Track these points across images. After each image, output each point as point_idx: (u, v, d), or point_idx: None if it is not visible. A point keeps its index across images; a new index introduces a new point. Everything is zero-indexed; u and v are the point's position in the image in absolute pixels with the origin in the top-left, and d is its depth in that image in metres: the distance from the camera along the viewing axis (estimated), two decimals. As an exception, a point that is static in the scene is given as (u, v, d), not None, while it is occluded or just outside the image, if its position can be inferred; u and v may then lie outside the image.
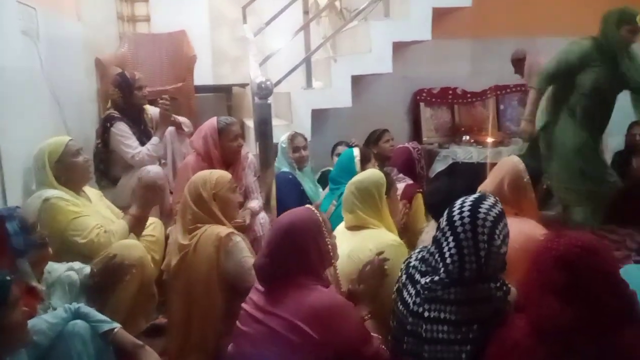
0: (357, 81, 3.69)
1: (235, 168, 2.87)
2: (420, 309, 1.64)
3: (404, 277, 1.77)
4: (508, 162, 2.29)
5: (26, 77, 2.71)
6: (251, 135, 3.50)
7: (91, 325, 1.75)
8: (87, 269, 2.08)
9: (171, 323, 2.27)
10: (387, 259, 1.97)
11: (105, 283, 2.07)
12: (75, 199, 2.36)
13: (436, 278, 1.62)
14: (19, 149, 2.50)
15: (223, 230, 2.16)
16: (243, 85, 4.49)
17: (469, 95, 4.70)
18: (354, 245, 2.08)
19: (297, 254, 1.69)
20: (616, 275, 1.49)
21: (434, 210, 2.36)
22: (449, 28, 4.20)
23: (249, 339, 1.70)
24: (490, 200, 1.67)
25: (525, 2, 4.46)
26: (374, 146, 3.69)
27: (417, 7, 3.56)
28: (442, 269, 1.61)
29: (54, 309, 1.85)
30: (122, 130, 3.12)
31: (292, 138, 3.21)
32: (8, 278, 1.47)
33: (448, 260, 1.60)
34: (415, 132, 4.64)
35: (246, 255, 2.14)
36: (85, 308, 1.79)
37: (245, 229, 2.65)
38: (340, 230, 2.21)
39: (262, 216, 2.86)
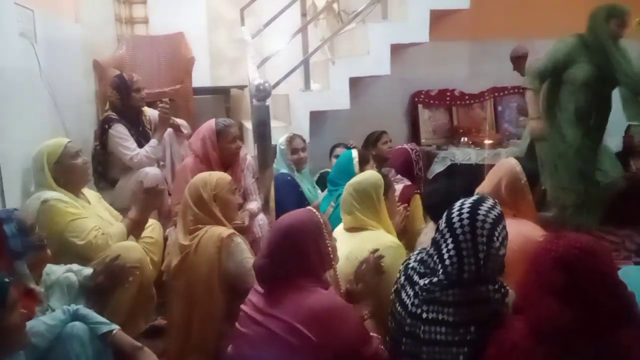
0: (355, 83, 3.70)
1: (233, 170, 2.87)
2: (419, 310, 1.64)
3: (402, 278, 1.78)
4: (505, 163, 2.29)
5: (24, 79, 2.70)
6: (249, 137, 3.50)
7: (90, 327, 1.75)
8: (86, 270, 2.07)
9: (171, 324, 2.27)
10: (382, 256, 1.97)
11: (107, 285, 2.06)
12: (73, 201, 2.35)
13: (435, 279, 1.62)
14: (17, 150, 2.49)
15: (224, 231, 2.18)
16: (241, 87, 4.49)
17: (467, 97, 4.72)
18: (353, 246, 2.08)
19: (298, 256, 1.69)
20: (614, 277, 1.49)
21: (433, 211, 2.37)
22: (446, 30, 4.21)
23: (248, 340, 1.70)
24: (490, 203, 1.68)
25: (523, 4, 4.47)
26: (372, 148, 3.70)
27: (415, 9, 3.56)
28: (441, 271, 1.61)
29: (53, 310, 1.84)
30: (120, 132, 3.12)
31: (291, 140, 3.21)
32: (6, 280, 1.47)
33: (447, 262, 1.60)
34: (414, 134, 4.66)
35: (247, 256, 2.14)
36: (83, 310, 1.79)
37: (244, 231, 2.65)
38: (339, 232, 2.21)
39: (261, 217, 2.86)
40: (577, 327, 1.41)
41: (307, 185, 3.23)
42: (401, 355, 1.70)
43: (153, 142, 3.18)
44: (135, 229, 2.43)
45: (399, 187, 2.80)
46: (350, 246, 2.08)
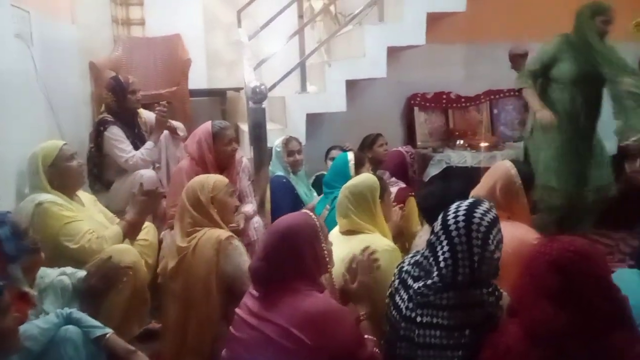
0: (352, 86, 3.70)
1: (229, 172, 2.87)
2: (413, 314, 1.64)
3: (396, 282, 1.78)
4: (501, 166, 2.30)
5: (20, 81, 2.70)
6: (245, 139, 3.49)
7: (83, 330, 1.75)
8: (80, 273, 2.07)
9: (166, 327, 2.26)
10: (374, 251, 1.99)
11: (100, 287, 2.05)
12: (68, 204, 2.35)
13: (429, 282, 1.62)
14: (12, 152, 2.49)
15: (223, 233, 2.18)
16: (237, 89, 4.48)
17: (462, 99, 4.72)
18: (348, 250, 2.08)
19: (294, 259, 1.69)
20: (608, 280, 1.50)
21: (428, 214, 2.37)
22: (443, 33, 4.22)
23: (242, 344, 1.70)
24: (485, 206, 1.68)
25: (518, 7, 4.47)
26: (368, 150, 3.70)
27: (411, 12, 3.57)
28: (436, 273, 1.62)
29: (47, 314, 1.84)
30: (115, 134, 3.12)
31: (287, 142, 3.21)
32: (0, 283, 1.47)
33: (442, 264, 1.60)
34: (410, 137, 4.65)
35: (245, 259, 2.15)
36: (77, 313, 1.79)
37: (239, 233, 2.64)
38: (334, 235, 2.21)
39: (256, 220, 2.86)
40: (571, 330, 1.41)
41: (302, 188, 3.23)
42: (397, 358, 1.70)
43: (149, 144, 3.18)
44: (131, 232, 2.42)
45: (393, 190, 2.81)
46: (345, 249, 2.07)
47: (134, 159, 3.10)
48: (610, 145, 3.97)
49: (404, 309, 1.68)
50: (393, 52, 3.72)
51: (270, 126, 3.22)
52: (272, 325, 1.63)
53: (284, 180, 3.13)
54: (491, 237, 1.61)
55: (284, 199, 3.02)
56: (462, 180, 2.78)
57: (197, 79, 4.36)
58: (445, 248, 1.61)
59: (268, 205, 2.86)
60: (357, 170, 2.81)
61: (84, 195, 2.59)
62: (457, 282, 1.59)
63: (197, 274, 2.13)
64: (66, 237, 2.23)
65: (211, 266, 2.11)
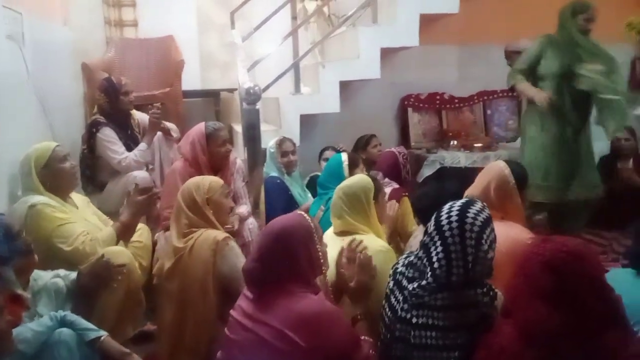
0: (346, 87, 3.71)
1: (223, 173, 2.86)
2: (408, 315, 1.64)
3: (391, 283, 1.78)
4: (494, 166, 2.31)
5: (11, 82, 2.68)
6: (239, 140, 3.49)
7: (77, 333, 1.74)
8: (74, 275, 2.06)
9: (161, 328, 2.26)
10: (360, 241, 2.01)
11: (92, 285, 2.04)
12: (61, 206, 2.34)
13: (423, 283, 1.63)
14: (4, 154, 2.47)
15: (220, 234, 2.19)
16: (231, 90, 4.47)
17: (456, 100, 4.73)
18: (343, 251, 2.08)
19: (288, 260, 1.69)
20: (602, 280, 1.50)
21: (422, 214, 2.37)
22: (436, 34, 4.24)
23: (237, 346, 1.69)
24: (478, 206, 1.68)
25: (511, 8, 4.50)
26: (362, 151, 3.71)
27: (405, 13, 3.58)
28: (430, 274, 1.62)
29: (40, 316, 1.83)
30: (108, 136, 3.10)
31: (281, 143, 3.21)
32: (-8, 286, 1.46)
33: (435, 265, 1.61)
34: (403, 137, 4.67)
35: (242, 260, 2.14)
36: (71, 316, 1.78)
37: (233, 235, 2.64)
38: (329, 236, 2.20)
39: (251, 221, 2.86)
40: (565, 330, 1.42)
41: (297, 189, 3.23)
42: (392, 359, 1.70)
43: (142, 145, 3.17)
44: (125, 233, 2.41)
45: (387, 190, 2.81)
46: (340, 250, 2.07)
47: (127, 160, 3.09)
48: (603, 145, 4.01)
49: (399, 310, 1.68)
50: (387, 54, 3.73)
51: (264, 127, 3.22)
52: (266, 327, 1.62)
53: (278, 181, 3.13)
54: (484, 236, 1.62)
55: (278, 199, 3.02)
56: (456, 180, 2.79)
57: (191, 80, 4.35)
58: (439, 249, 1.61)
59: (262, 206, 2.85)
60: (351, 171, 2.81)
61: (77, 197, 2.57)
62: (452, 282, 1.59)
63: (193, 274, 2.13)
64: (59, 239, 2.22)
65: (208, 267, 2.12)
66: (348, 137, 3.97)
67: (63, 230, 2.23)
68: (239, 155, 3.18)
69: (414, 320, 1.63)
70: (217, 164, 2.87)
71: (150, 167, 3.33)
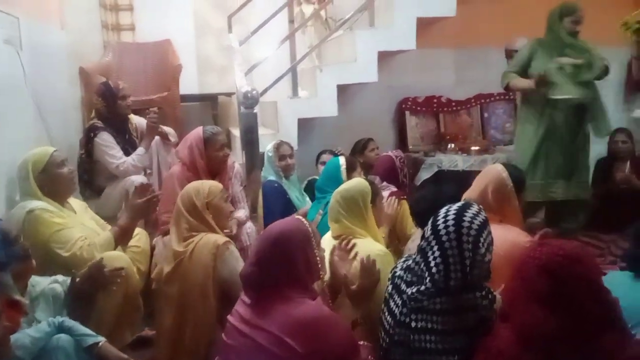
0: (343, 90, 3.71)
1: (221, 178, 2.86)
2: (407, 319, 1.64)
3: (390, 287, 1.78)
4: (492, 169, 2.32)
5: (9, 86, 2.68)
6: (237, 144, 3.49)
7: (75, 339, 1.73)
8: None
9: (160, 332, 2.26)
10: (350, 239, 2.05)
11: (88, 289, 2.03)
12: (59, 211, 2.33)
13: (422, 288, 1.63)
14: (1, 158, 2.47)
15: (220, 238, 2.20)
16: (229, 94, 4.48)
17: (453, 103, 4.75)
18: (341, 254, 2.08)
19: (286, 264, 1.68)
20: (598, 283, 1.51)
21: (420, 218, 2.37)
22: (433, 37, 4.25)
23: (234, 352, 1.69)
24: (474, 209, 1.69)
25: (508, 11, 4.51)
26: (359, 155, 3.71)
27: (402, 17, 3.59)
28: (428, 278, 1.62)
29: (38, 322, 1.82)
30: (105, 140, 3.10)
31: (278, 146, 3.21)
32: (-10, 292, 1.45)
33: (433, 270, 1.61)
34: (401, 141, 4.67)
35: (242, 264, 2.15)
36: (69, 322, 1.77)
37: (232, 239, 2.63)
38: (327, 240, 2.20)
39: (249, 226, 2.86)
40: (562, 334, 1.42)
41: (295, 193, 3.23)
42: (391, 364, 1.70)
43: (140, 150, 3.16)
44: (123, 237, 2.40)
45: (385, 194, 2.81)
46: (338, 254, 2.07)
47: (125, 165, 3.09)
48: (600, 148, 4.02)
49: (398, 314, 1.68)
50: (384, 57, 3.74)
51: (262, 131, 3.22)
52: (264, 333, 1.62)
53: (276, 185, 3.13)
54: (481, 240, 1.62)
55: (276, 203, 3.02)
56: (453, 184, 2.79)
57: (188, 84, 4.35)
58: (437, 253, 1.61)
59: (260, 211, 2.85)
60: (349, 175, 2.81)
61: (75, 202, 2.57)
62: (450, 286, 1.59)
63: (194, 278, 2.14)
64: (57, 244, 2.22)
65: (208, 271, 2.13)
66: (346, 141, 3.97)
67: (61, 236, 2.23)
68: (236, 159, 3.18)
69: (413, 324, 1.63)
70: (215, 168, 2.87)
71: (148, 171, 3.33)
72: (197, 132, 2.88)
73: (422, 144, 4.64)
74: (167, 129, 3.38)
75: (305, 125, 3.66)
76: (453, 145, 4.45)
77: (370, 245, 2.12)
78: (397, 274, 1.77)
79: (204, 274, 2.13)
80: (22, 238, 1.96)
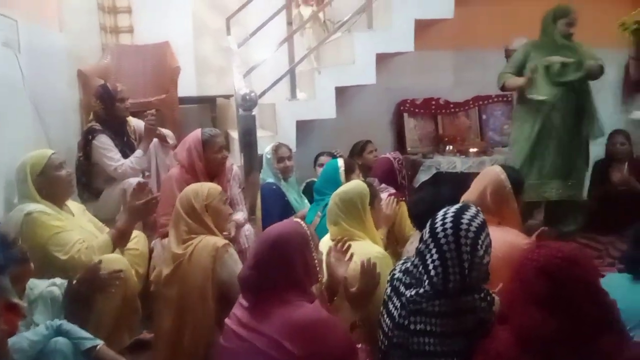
0: (341, 92, 3.71)
1: (219, 180, 2.86)
2: (406, 322, 1.64)
3: (388, 289, 1.78)
4: (490, 171, 2.32)
5: (7, 89, 2.68)
6: (236, 146, 3.49)
7: (73, 342, 1.73)
8: (69, 283, 2.05)
9: (159, 335, 2.25)
10: (346, 240, 2.03)
11: (84, 292, 2.02)
12: (57, 213, 2.33)
13: (421, 290, 1.63)
14: (0, 161, 2.46)
15: (219, 241, 2.20)
16: (227, 97, 4.48)
17: (452, 105, 4.75)
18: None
19: (284, 267, 1.68)
20: (596, 285, 1.51)
21: (418, 220, 2.37)
22: (431, 39, 4.26)
23: (232, 355, 1.69)
24: (472, 211, 1.69)
25: (506, 13, 4.53)
26: (358, 157, 3.72)
27: (400, 19, 3.60)
28: (427, 281, 1.62)
29: (37, 325, 1.82)
30: (104, 143, 3.10)
31: (277, 148, 3.21)
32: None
33: (432, 272, 1.61)
34: (399, 143, 4.67)
35: (241, 267, 2.14)
36: (67, 325, 1.77)
37: (230, 241, 2.63)
38: (325, 242, 2.21)
39: (247, 228, 2.86)
40: (560, 336, 1.42)
41: (293, 195, 3.23)
42: (390, 366, 1.70)
43: (138, 152, 3.16)
44: (121, 239, 2.40)
45: (383, 196, 2.81)
46: (336, 256, 2.07)
47: (123, 167, 3.08)
48: (599, 150, 4.03)
49: (397, 317, 1.68)
50: (382, 59, 3.74)
51: (260, 133, 3.22)
52: (261, 336, 1.62)
53: (274, 187, 3.13)
54: (480, 242, 1.62)
55: (275, 205, 3.02)
56: (452, 185, 2.80)
57: (187, 87, 4.34)
58: (435, 256, 1.61)
59: (259, 213, 2.85)
60: (348, 177, 2.81)
61: (73, 205, 2.57)
62: (449, 289, 1.59)
63: (193, 281, 2.14)
64: (56, 247, 2.21)
65: (207, 273, 2.13)
66: (344, 143, 3.98)
67: (59, 239, 2.23)
68: (235, 162, 3.18)
69: (412, 326, 1.63)
70: (214, 171, 2.87)
71: (147, 174, 3.32)
72: (196, 134, 2.88)
73: (420, 145, 4.65)
74: (165, 132, 3.38)
75: (303, 127, 3.67)
76: (451, 147, 4.45)
77: (368, 248, 2.12)
78: (396, 276, 1.77)
79: (203, 276, 2.12)
80: (20, 241, 1.96)
